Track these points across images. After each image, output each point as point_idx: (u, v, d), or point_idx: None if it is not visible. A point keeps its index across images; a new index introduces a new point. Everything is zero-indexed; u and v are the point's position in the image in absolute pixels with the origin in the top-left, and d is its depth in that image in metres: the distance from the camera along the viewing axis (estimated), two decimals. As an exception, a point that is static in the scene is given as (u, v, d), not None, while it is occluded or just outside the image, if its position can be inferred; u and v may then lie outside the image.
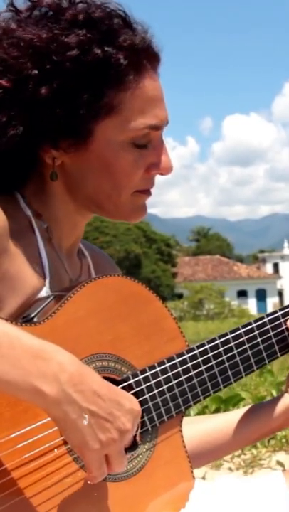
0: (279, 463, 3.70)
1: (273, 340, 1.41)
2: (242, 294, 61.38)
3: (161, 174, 1.34)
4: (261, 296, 59.82)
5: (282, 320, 1.42)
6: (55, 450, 1.14)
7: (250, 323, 1.40)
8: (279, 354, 1.42)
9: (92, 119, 1.24)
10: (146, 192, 1.34)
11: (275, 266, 71.63)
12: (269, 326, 1.41)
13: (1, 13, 1.27)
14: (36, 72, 1.21)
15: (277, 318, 1.42)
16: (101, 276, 1.26)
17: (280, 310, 1.43)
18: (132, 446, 1.15)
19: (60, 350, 1.06)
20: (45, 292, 1.25)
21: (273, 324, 1.41)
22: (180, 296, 53.27)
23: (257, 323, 1.40)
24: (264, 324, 1.41)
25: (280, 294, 61.83)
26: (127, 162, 1.28)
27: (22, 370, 1.01)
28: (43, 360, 1.03)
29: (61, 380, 1.03)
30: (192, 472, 1.33)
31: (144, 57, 1.28)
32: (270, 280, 62.91)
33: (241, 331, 1.38)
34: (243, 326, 1.39)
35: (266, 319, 1.41)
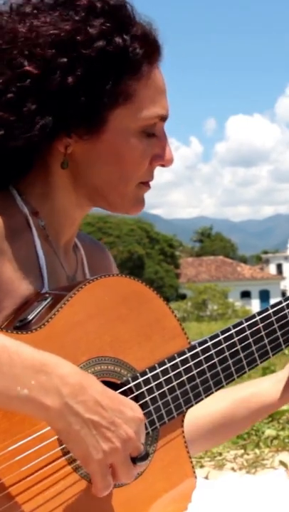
0: (282, 463, 3.70)
1: (279, 333, 1.39)
2: (245, 294, 61.34)
3: (163, 166, 1.35)
4: (265, 296, 59.73)
5: (287, 311, 1.40)
6: (55, 461, 1.13)
7: (254, 316, 1.38)
8: (283, 346, 1.40)
9: (108, 107, 1.26)
10: (148, 184, 1.36)
11: (279, 267, 71.59)
12: (273, 318, 1.39)
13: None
14: (65, 60, 1.22)
15: (282, 309, 1.40)
16: (99, 276, 1.24)
17: (285, 300, 1.41)
18: (145, 455, 1.13)
19: (61, 362, 1.07)
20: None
21: (278, 316, 1.39)
22: (183, 297, 53.22)
23: (261, 316, 1.38)
24: (268, 316, 1.39)
25: (284, 294, 61.57)
26: (137, 151, 1.29)
27: (23, 386, 1.02)
28: (44, 374, 1.04)
29: (63, 393, 1.04)
30: (194, 472, 1.32)
31: (154, 47, 1.31)
32: (274, 281, 62.85)
33: (245, 324, 1.36)
34: (247, 320, 1.37)
35: (270, 311, 1.39)
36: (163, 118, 1.32)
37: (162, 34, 1.33)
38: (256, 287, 61.72)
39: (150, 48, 1.29)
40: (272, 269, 71.24)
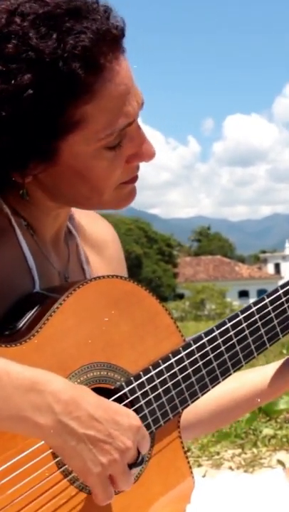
0: (280, 462, 3.70)
1: (275, 321, 1.36)
2: (243, 294, 61.35)
3: (144, 161, 1.27)
4: (262, 296, 59.64)
5: (284, 299, 1.37)
6: (51, 475, 1.12)
7: (249, 307, 1.35)
8: (281, 335, 1.37)
9: (54, 139, 1.16)
10: (132, 180, 1.27)
11: (277, 266, 71.67)
12: (270, 308, 1.36)
13: None
14: None
15: (278, 298, 1.37)
16: (89, 280, 1.21)
17: (282, 288, 1.38)
18: (140, 461, 1.13)
19: (53, 378, 1.06)
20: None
21: (274, 305, 1.36)
22: (181, 297, 53.18)
23: (257, 307, 1.35)
24: (265, 306, 1.36)
25: (282, 294, 61.54)
26: (101, 169, 1.20)
27: (15, 406, 1.01)
28: (35, 393, 1.03)
29: (56, 410, 1.03)
30: (192, 473, 1.31)
31: (101, 52, 1.14)
32: (272, 280, 62.78)
33: (241, 317, 1.33)
34: (242, 312, 1.34)
35: (267, 300, 1.36)
36: (127, 126, 1.19)
37: (121, 12, 1.13)
38: (254, 287, 61.71)
39: (94, 58, 1.13)
40: (270, 268, 71.30)
